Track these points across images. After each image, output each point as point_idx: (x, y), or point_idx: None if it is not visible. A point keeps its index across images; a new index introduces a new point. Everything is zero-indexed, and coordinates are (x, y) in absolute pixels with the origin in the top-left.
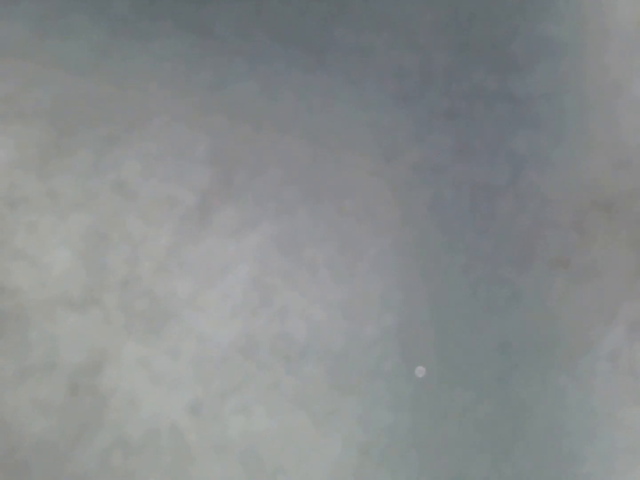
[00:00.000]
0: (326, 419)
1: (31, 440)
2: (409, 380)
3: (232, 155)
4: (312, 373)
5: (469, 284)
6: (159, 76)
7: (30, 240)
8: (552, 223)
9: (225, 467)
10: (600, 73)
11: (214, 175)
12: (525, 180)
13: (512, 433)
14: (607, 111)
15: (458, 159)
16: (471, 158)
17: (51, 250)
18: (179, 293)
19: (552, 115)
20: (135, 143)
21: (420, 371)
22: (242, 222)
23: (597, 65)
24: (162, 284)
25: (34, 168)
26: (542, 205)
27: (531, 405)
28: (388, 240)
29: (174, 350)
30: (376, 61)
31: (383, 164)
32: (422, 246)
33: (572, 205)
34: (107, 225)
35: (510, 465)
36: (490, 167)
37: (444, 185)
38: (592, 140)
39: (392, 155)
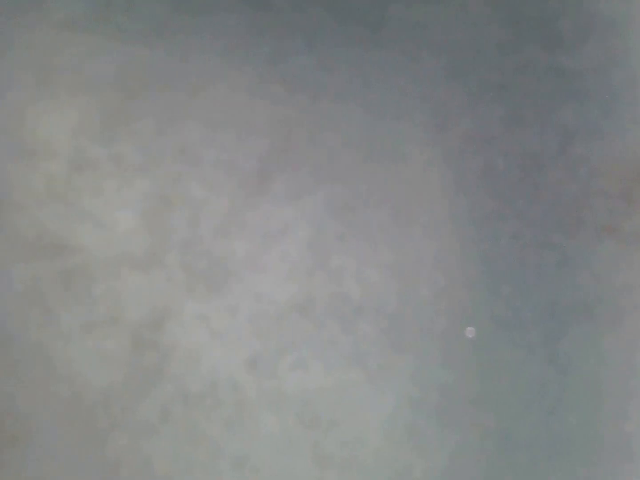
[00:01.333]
0: (380, 376)
1: (95, 391)
2: (460, 340)
3: (290, 124)
4: (366, 331)
5: (518, 249)
6: (219, 49)
7: (96, 202)
8: (600, 192)
9: (281, 421)
10: None
11: (272, 142)
12: (574, 150)
13: (559, 391)
14: None
15: (508, 130)
16: (521, 129)
17: (115, 212)
18: (238, 254)
19: (601, 88)
20: (196, 111)
21: (470, 332)
22: (299, 187)
23: None
24: (222, 245)
25: (99, 134)
26: (591, 174)
27: (578, 365)
28: (440, 207)
29: (232, 308)
30: (430, 36)
31: (436, 134)
32: (474, 212)
33: (619, 175)
34: (169, 188)
35: (557, 422)
36: (540, 137)
37: (494, 154)
38: (639, 113)
39: (444, 125)
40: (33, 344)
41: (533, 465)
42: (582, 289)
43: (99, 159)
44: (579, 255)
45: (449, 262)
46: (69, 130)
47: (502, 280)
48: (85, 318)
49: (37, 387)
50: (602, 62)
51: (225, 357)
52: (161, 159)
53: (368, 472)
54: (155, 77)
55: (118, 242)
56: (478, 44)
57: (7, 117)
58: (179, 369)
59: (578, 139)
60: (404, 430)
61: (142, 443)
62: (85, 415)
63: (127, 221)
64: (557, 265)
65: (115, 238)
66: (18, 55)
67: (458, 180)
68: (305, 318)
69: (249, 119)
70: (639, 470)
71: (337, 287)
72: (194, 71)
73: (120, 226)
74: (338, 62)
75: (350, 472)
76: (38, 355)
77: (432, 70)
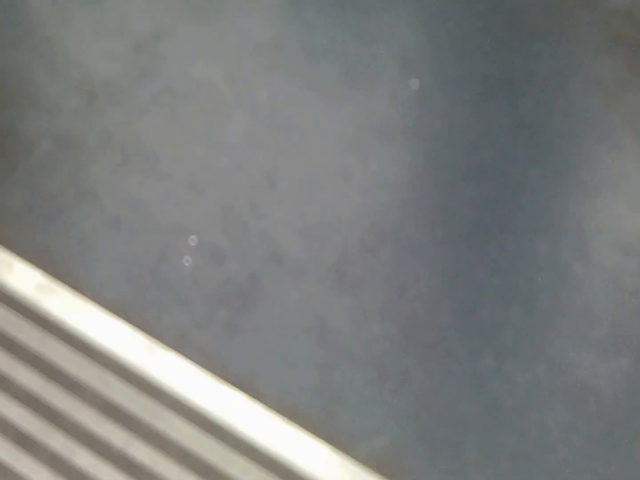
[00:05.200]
0: (334, 103)
1: (100, 76)
2: (405, 85)
3: None
4: (328, 71)
5: None
6: None
7: None
8: None
9: (250, 120)
10: None
11: None
12: None
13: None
14: None
15: None
16: None
17: None
18: (230, 3)
19: None
20: None
21: (414, 83)
22: None
23: None
24: None
25: None
26: None
27: None
28: None
29: (220, 34)
30: None
31: None
32: None
33: None
34: None
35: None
36: None
37: None
38: None
39: None
40: (52, 38)
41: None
42: None
43: None
44: None
45: None
46: None
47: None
48: (97, 25)
49: (51, 67)
50: None
51: (210, 71)
52: None
53: (316, 170)
54: None
55: None
56: None
57: None
58: (170, 73)
59: None
60: (349, 141)
61: (134, 120)
62: (90, 92)
63: None
64: None
65: None
66: None
67: None
68: (280, 52)
69: None
70: None
71: (308, 33)
72: None
73: None
74: None
75: (299, 168)
76: (56, 46)
77: None
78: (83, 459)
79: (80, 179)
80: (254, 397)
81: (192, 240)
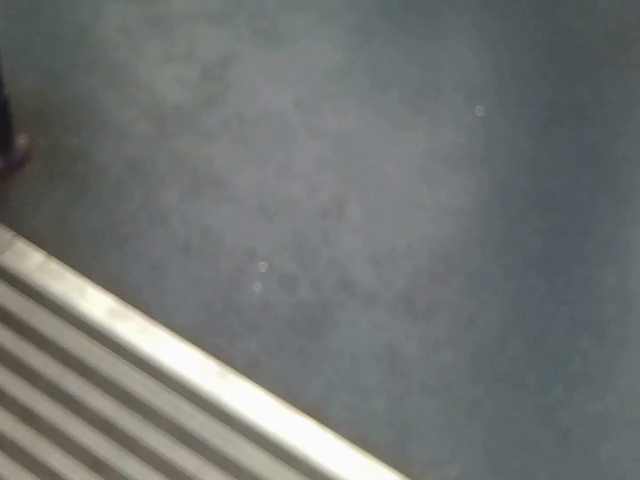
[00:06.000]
0: (402, 128)
1: (169, 102)
2: (471, 114)
3: None
4: (396, 96)
5: None
6: None
7: None
8: None
9: (318, 145)
10: None
11: None
12: None
13: None
14: None
15: None
16: None
17: None
18: (297, 24)
19: None
20: None
21: (479, 110)
22: None
23: None
24: (285, 17)
25: None
26: None
27: None
28: None
29: (287, 62)
30: None
31: None
32: None
33: None
34: None
35: None
36: None
37: None
38: None
39: None
40: (121, 64)
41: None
42: None
43: None
44: None
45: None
46: None
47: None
48: (165, 51)
49: (122, 92)
50: None
51: (278, 95)
52: None
53: (385, 196)
54: None
55: (199, 1)
56: None
57: None
58: (238, 98)
59: None
60: (417, 168)
61: (203, 146)
62: (161, 121)
63: None
64: None
65: None
66: None
67: None
68: (347, 79)
69: None
70: None
71: (375, 60)
72: None
73: None
74: None
75: (368, 194)
76: (126, 72)
77: None
78: None
79: (151, 204)
80: (324, 424)
81: (263, 266)
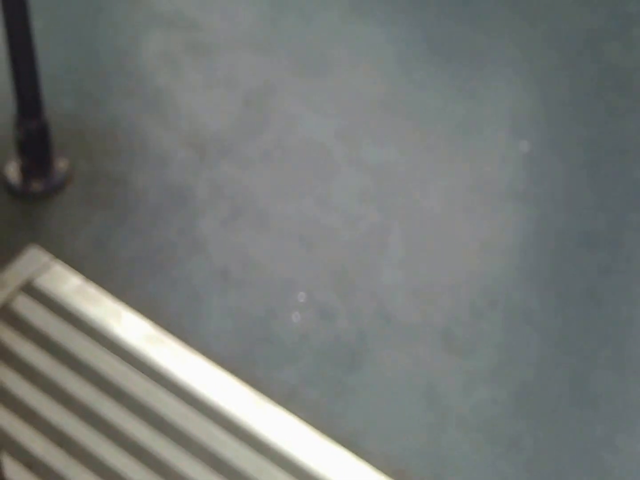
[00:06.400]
0: (443, 159)
1: (209, 130)
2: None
3: None
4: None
5: None
6: None
7: None
8: None
9: (358, 174)
10: None
11: None
12: None
13: None
14: None
15: None
16: None
17: (242, 8)
18: (338, 57)
19: None
20: None
21: (525, 145)
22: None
23: None
24: (327, 47)
25: None
26: None
27: None
28: None
29: (329, 93)
30: None
31: None
32: None
33: None
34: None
35: None
36: None
37: None
38: None
39: None
40: (162, 90)
41: None
42: None
43: None
44: None
45: None
46: None
47: None
48: (206, 78)
49: (162, 118)
50: None
51: (318, 125)
52: None
53: (426, 230)
54: None
55: (241, 29)
56: None
57: None
58: (279, 127)
59: None
60: (460, 202)
61: (243, 174)
62: (200, 144)
63: (251, 17)
64: None
65: (239, 26)
66: None
67: None
68: (390, 110)
69: None
70: None
71: (418, 93)
72: None
73: (245, 19)
74: None
75: (410, 228)
76: (166, 98)
77: None
78: None
79: (189, 231)
80: (360, 457)
81: (302, 296)
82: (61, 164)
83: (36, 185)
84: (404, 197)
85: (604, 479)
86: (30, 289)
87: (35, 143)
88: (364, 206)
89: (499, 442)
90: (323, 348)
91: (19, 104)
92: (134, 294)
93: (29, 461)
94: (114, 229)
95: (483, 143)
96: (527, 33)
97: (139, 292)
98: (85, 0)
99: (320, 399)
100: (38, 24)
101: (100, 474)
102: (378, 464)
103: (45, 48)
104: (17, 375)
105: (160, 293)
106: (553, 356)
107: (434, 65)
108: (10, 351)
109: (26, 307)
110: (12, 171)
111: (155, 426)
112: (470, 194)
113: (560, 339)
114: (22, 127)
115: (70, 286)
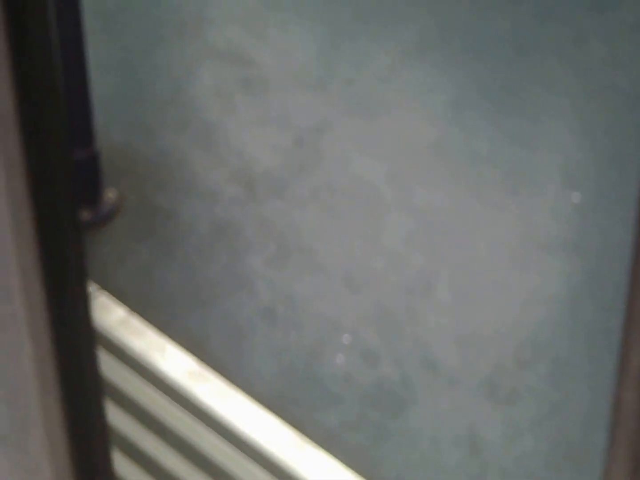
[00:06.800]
0: (492, 206)
1: (259, 166)
2: None
3: None
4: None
5: None
6: None
7: (279, 32)
8: None
9: (407, 218)
10: None
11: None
12: None
13: None
14: None
15: None
16: None
17: (296, 43)
18: (390, 100)
19: None
20: None
21: (576, 197)
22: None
23: None
24: (380, 89)
25: None
26: None
27: None
28: None
29: (382, 129)
30: None
31: None
32: None
33: None
34: (340, 38)
35: None
36: None
37: None
38: None
39: None
40: (213, 124)
41: None
42: None
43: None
44: None
45: None
46: None
47: None
48: (258, 115)
49: (212, 153)
50: None
51: (369, 167)
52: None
53: (474, 277)
54: None
55: (295, 67)
56: None
57: None
58: (329, 167)
59: None
60: (509, 251)
61: (292, 212)
62: (250, 181)
63: (305, 55)
64: None
65: (293, 64)
66: None
67: None
68: (441, 154)
69: None
70: None
71: (470, 137)
72: None
73: (299, 57)
74: None
75: (457, 273)
76: (217, 132)
77: None
78: None
79: (236, 267)
80: None
81: (346, 338)
82: (110, 195)
83: (85, 215)
84: (452, 242)
85: None
86: None
87: (85, 172)
88: (412, 250)
89: None
90: (366, 391)
91: (71, 134)
92: (178, 328)
93: None
94: (160, 261)
95: (534, 192)
96: (578, 86)
97: (183, 326)
98: (143, 31)
99: (361, 443)
100: (94, 53)
101: None
102: None
103: (97, 79)
104: None
105: (204, 328)
106: (596, 409)
107: (485, 112)
108: None
109: None
110: None
111: (195, 461)
112: (519, 242)
113: (605, 392)
114: (73, 157)
115: (115, 318)
